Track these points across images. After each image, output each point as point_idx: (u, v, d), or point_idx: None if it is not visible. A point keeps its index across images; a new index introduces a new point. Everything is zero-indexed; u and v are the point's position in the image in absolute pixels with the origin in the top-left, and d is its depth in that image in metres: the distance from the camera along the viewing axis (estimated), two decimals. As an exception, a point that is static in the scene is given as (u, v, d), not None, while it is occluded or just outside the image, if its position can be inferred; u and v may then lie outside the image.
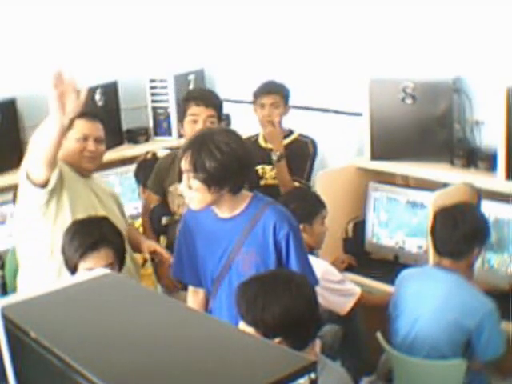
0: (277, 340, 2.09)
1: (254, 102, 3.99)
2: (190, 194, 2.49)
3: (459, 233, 2.89)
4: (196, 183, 2.45)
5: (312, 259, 2.76)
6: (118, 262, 2.65)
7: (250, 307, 2.13)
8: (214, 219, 2.59)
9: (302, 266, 2.55)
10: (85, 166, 2.97)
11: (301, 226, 3.22)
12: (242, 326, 2.13)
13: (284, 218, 2.55)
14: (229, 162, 2.44)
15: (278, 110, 3.91)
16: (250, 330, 2.11)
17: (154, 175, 3.65)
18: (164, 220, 3.66)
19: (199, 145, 2.46)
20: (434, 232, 3.01)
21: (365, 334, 3.47)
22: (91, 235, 2.60)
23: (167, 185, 3.53)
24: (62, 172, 2.78)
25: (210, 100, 3.51)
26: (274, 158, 3.74)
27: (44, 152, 2.59)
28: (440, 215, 3.02)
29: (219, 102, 3.58)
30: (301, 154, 3.86)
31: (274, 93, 3.92)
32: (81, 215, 2.81)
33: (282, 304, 2.10)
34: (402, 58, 3.95)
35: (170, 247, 3.50)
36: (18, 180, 2.80)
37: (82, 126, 2.93)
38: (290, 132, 3.96)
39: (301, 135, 3.95)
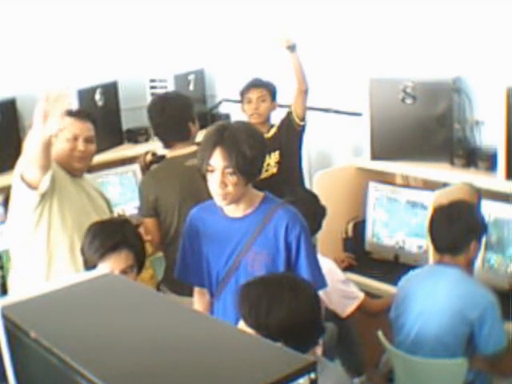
0: (277, 345, 2.08)
1: (241, 101, 4.01)
2: (226, 190, 2.43)
3: (455, 228, 2.93)
4: (234, 178, 2.41)
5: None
6: (137, 266, 2.62)
7: (253, 310, 2.10)
8: (224, 219, 2.57)
9: (312, 268, 2.54)
10: (75, 166, 2.98)
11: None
12: (242, 326, 2.12)
13: (296, 219, 2.54)
14: (263, 149, 2.49)
15: (265, 104, 3.95)
16: (250, 331, 2.09)
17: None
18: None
19: (231, 138, 2.40)
20: (431, 229, 3.05)
21: (357, 334, 3.47)
22: (112, 237, 2.58)
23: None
24: (54, 175, 2.78)
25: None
26: (288, 50, 3.82)
27: (34, 156, 2.62)
28: (436, 213, 3.06)
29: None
30: (288, 127, 3.96)
31: (260, 86, 3.97)
32: (70, 220, 2.84)
33: (286, 309, 2.07)
34: (402, 57, 3.95)
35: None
36: (12, 182, 2.80)
37: (72, 126, 2.93)
38: (273, 124, 4.04)
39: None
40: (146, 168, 4.12)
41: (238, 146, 2.38)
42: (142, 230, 3.49)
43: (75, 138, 2.95)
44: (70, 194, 2.91)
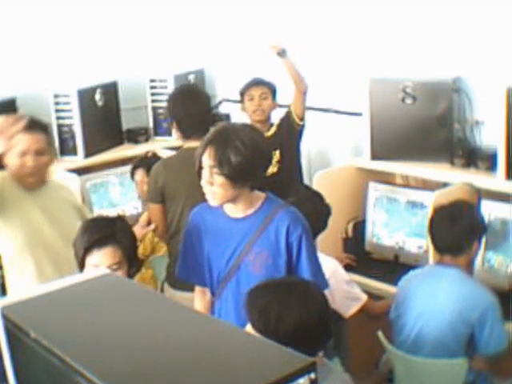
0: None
1: (241, 100, 4.00)
2: (212, 189, 2.45)
3: (457, 228, 2.92)
4: (220, 179, 2.42)
5: (322, 257, 2.74)
6: (127, 264, 2.59)
7: (262, 316, 2.08)
8: (225, 219, 2.57)
9: (313, 269, 2.54)
10: (28, 181, 2.91)
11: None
12: (249, 329, 2.11)
13: (297, 221, 2.54)
14: (254, 157, 2.44)
15: (267, 102, 3.95)
16: (257, 335, 2.08)
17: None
18: None
19: (223, 140, 2.42)
20: (432, 229, 3.04)
21: (349, 337, 3.45)
22: (100, 231, 2.58)
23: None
24: (4, 192, 2.77)
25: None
26: (278, 56, 3.83)
27: None
28: (438, 213, 3.05)
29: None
30: (288, 126, 3.96)
31: (262, 84, 3.98)
32: (19, 237, 2.84)
33: (296, 316, 2.06)
34: (402, 57, 3.95)
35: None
36: None
37: (20, 141, 2.81)
38: (272, 123, 4.03)
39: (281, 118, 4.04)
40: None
41: (225, 149, 2.40)
42: (145, 218, 3.51)
43: (24, 154, 2.87)
44: (21, 211, 2.87)
